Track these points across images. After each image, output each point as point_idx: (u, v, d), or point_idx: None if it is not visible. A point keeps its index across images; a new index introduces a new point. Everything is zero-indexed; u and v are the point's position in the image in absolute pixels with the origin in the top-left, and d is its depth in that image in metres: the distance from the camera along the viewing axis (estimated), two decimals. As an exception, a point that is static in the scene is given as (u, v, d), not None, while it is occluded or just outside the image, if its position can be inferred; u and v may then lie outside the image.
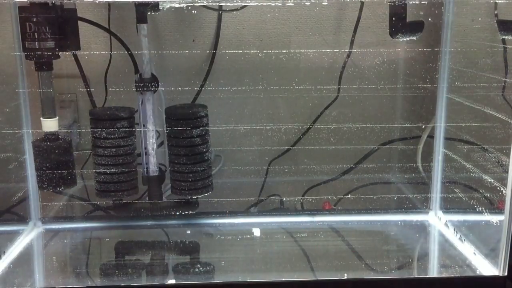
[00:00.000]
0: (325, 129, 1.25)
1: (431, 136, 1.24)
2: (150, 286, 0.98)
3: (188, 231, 1.19)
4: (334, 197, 1.29)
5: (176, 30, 1.23)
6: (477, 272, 1.01)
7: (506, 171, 0.95)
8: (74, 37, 1.07)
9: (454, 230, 1.15)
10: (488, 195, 1.08)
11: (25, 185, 1.16)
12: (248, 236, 1.18)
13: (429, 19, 1.13)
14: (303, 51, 1.21)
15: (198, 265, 1.05)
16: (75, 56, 1.18)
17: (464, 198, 1.15)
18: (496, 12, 1.13)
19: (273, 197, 1.31)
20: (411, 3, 1.09)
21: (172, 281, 0.99)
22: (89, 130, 1.13)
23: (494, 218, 1.04)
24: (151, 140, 1.15)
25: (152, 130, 1.15)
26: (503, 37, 1.12)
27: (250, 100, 1.24)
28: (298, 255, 1.12)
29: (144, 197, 1.20)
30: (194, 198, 1.16)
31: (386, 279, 0.99)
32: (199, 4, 1.17)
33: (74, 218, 1.24)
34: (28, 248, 1.11)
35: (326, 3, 1.21)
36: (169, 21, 1.23)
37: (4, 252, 1.06)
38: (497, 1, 1.11)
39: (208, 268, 1.04)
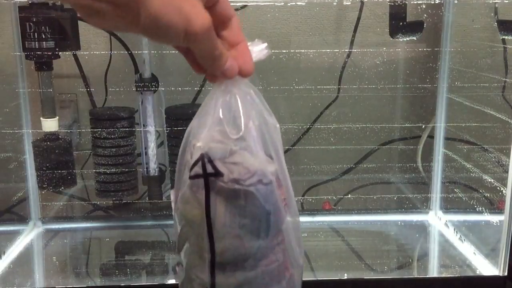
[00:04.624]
0: (325, 129, 1.25)
1: (431, 136, 1.24)
2: (150, 286, 0.98)
3: (188, 231, 1.19)
4: (334, 197, 1.29)
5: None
6: (477, 272, 1.01)
7: (506, 171, 0.95)
8: (74, 37, 1.07)
9: (454, 230, 1.15)
10: (488, 195, 1.08)
11: (25, 185, 1.16)
12: (248, 236, 1.18)
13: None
14: (303, 51, 1.21)
15: (198, 265, 1.05)
16: (75, 56, 1.18)
17: (464, 198, 1.15)
18: (496, 12, 1.13)
19: (273, 197, 1.30)
20: (411, 3, 1.09)
21: (172, 281, 0.99)
22: (89, 130, 1.13)
23: (494, 218, 1.04)
24: (151, 140, 1.15)
25: (152, 130, 1.15)
26: (503, 37, 1.12)
27: (250, 100, 1.24)
28: (298, 255, 1.12)
29: (144, 197, 1.19)
30: (194, 198, 1.16)
31: (386, 279, 0.99)
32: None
33: (74, 218, 1.24)
34: (28, 248, 1.11)
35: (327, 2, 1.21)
36: (169, 21, 1.22)
37: (4, 252, 1.06)
38: (497, 1, 1.10)
39: (208, 268, 1.04)
